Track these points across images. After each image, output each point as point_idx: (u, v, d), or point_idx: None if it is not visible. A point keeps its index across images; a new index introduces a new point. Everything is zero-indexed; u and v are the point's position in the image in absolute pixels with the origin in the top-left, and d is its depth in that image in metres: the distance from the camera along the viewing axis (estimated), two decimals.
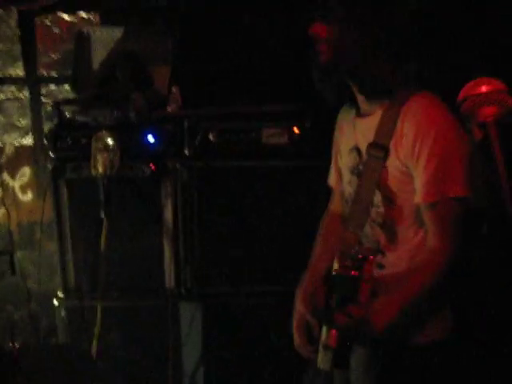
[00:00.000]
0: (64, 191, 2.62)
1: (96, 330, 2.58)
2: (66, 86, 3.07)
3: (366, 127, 1.68)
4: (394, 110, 1.60)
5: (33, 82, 3.11)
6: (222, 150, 2.53)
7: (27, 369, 1.99)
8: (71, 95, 2.96)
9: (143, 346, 2.73)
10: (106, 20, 3.04)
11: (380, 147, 1.62)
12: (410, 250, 1.69)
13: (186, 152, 2.53)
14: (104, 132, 2.47)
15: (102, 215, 2.49)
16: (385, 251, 1.71)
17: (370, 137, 1.65)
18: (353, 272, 1.50)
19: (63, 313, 2.73)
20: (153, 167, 2.55)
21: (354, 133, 1.72)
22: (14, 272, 3.21)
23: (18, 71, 3.12)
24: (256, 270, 2.61)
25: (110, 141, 2.45)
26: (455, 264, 1.62)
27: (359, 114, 1.71)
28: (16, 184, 3.23)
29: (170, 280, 2.65)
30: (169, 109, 2.64)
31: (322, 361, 1.67)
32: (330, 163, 1.87)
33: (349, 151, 1.73)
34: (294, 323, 1.74)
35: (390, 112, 1.62)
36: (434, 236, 1.61)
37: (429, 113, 1.56)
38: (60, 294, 2.71)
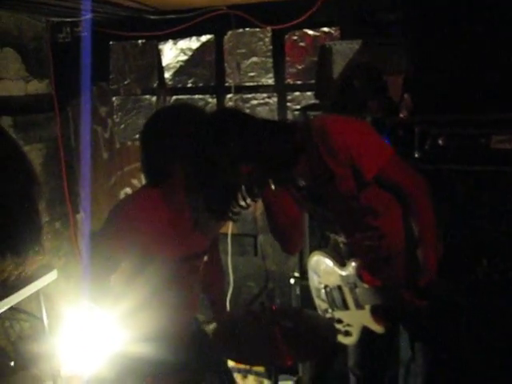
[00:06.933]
0: None
1: None
2: (309, 93, 3.31)
3: None
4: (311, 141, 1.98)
5: (281, 89, 3.41)
6: (451, 155, 2.53)
7: None
8: (313, 101, 3.16)
9: None
10: (346, 33, 3.19)
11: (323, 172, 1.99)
12: (395, 211, 2.05)
13: (416, 155, 2.57)
14: None
15: None
16: (377, 225, 2.05)
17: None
18: None
19: (298, 291, 3.01)
20: None
21: None
22: (256, 253, 3.71)
23: (269, 80, 3.42)
24: None
25: None
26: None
27: None
28: None
29: None
30: (401, 115, 2.69)
31: None
32: None
33: None
34: None
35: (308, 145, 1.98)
36: (400, 186, 2.00)
37: (330, 132, 1.95)
38: (296, 274, 3.03)
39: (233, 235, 3.64)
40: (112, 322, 2.16)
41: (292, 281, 3.03)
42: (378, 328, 2.17)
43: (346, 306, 2.26)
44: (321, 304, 2.39)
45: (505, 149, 2.48)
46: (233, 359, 2.24)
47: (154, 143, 2.03)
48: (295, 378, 3.21)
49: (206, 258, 2.31)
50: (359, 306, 2.20)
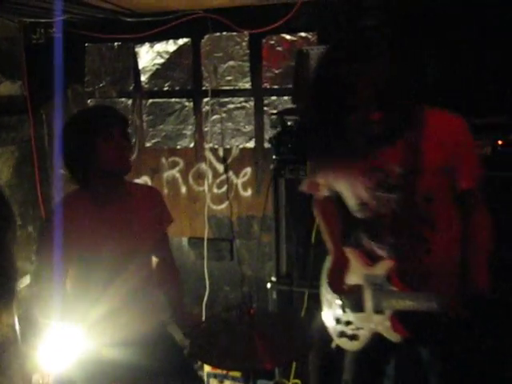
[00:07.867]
0: (282, 189, 2.87)
1: (303, 313, 2.87)
2: (285, 98, 3.30)
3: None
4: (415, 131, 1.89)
5: (258, 93, 3.40)
6: None
7: None
8: (290, 106, 3.18)
9: None
10: (323, 38, 3.20)
11: (412, 161, 1.89)
12: (453, 231, 1.98)
13: None
14: None
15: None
16: (429, 239, 1.95)
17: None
18: None
19: (274, 295, 3.00)
20: None
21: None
22: (232, 257, 3.67)
23: (246, 84, 3.40)
24: None
25: None
26: None
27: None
28: (239, 181, 3.53)
29: None
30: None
31: None
32: None
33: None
34: None
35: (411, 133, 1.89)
36: (477, 206, 1.97)
37: (451, 127, 1.91)
38: (273, 279, 3.00)
39: (209, 240, 3.62)
40: (82, 329, 2.15)
41: (269, 285, 3.02)
42: (393, 336, 2.01)
43: (361, 309, 2.11)
44: (331, 303, 2.25)
45: (480, 154, 2.47)
46: (210, 364, 2.22)
47: (71, 142, 2.12)
48: (272, 383, 3.19)
49: (155, 258, 2.38)
50: (378, 311, 2.06)
